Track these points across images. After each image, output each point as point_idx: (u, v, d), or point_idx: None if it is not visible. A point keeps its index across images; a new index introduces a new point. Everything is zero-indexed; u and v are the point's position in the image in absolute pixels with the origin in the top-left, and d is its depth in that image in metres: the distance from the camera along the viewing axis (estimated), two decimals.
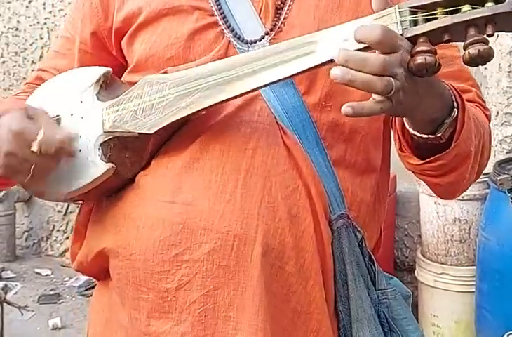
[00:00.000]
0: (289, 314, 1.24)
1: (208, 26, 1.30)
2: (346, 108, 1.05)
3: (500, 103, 3.38)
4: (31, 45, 4.66)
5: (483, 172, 3.31)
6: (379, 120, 1.35)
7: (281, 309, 1.23)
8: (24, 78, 4.63)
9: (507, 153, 3.36)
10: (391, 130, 1.38)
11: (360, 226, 1.31)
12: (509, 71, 3.34)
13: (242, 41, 1.29)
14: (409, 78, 1.06)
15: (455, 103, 1.17)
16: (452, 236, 3.21)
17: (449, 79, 1.23)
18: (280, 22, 1.29)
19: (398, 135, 1.24)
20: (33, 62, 4.63)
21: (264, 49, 1.18)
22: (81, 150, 1.26)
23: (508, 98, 3.36)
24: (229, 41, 1.29)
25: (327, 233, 1.25)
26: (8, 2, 4.68)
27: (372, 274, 1.32)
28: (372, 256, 1.34)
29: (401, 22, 1.05)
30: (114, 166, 1.23)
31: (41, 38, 4.61)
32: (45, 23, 4.58)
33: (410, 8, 1.05)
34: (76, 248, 1.39)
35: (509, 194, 2.77)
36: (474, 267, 3.04)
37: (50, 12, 4.56)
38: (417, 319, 3.39)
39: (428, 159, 1.21)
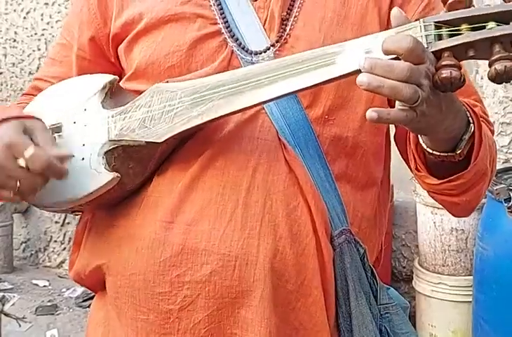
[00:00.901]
0: (287, 331, 1.23)
1: (211, 34, 1.28)
2: (371, 113, 1.03)
3: (496, 113, 3.38)
4: (28, 56, 4.67)
5: None
6: (381, 134, 1.34)
7: (280, 326, 1.22)
8: (21, 89, 4.63)
9: (503, 163, 3.36)
10: (390, 145, 1.38)
11: (362, 240, 1.30)
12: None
13: (246, 51, 1.27)
14: (434, 92, 1.05)
15: (470, 118, 1.17)
16: (449, 246, 3.21)
17: None
18: (285, 34, 1.27)
19: (413, 154, 1.23)
20: (30, 73, 4.64)
21: (280, 59, 1.16)
22: (83, 159, 1.24)
23: (504, 108, 3.37)
24: (232, 51, 1.27)
25: (329, 250, 1.25)
26: (6, 13, 4.69)
27: (374, 289, 1.32)
28: (374, 271, 1.33)
29: (426, 36, 1.05)
30: (119, 175, 1.21)
31: (39, 50, 4.62)
32: (42, 34, 4.59)
33: (435, 22, 1.05)
34: (74, 257, 1.38)
35: (506, 204, 2.76)
36: (471, 277, 3.04)
37: (48, 23, 4.57)
38: (415, 329, 3.39)
39: (449, 178, 1.20)
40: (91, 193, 1.23)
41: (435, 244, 3.25)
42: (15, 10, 4.66)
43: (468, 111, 1.17)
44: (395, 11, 1.09)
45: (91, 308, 1.44)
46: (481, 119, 1.31)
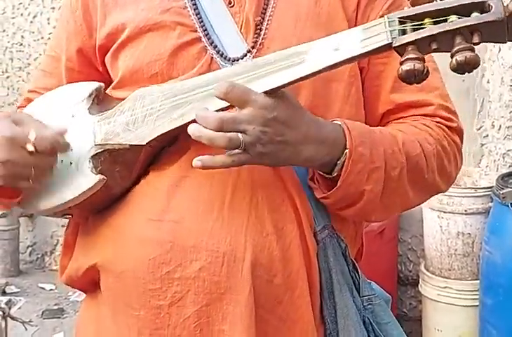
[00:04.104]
0: (274, 322, 1.25)
1: (191, 42, 1.30)
2: (195, 162, 1.13)
3: (502, 117, 3.38)
4: (35, 60, 4.68)
5: (486, 186, 3.31)
6: None
7: (267, 319, 1.25)
8: None
9: (510, 166, 3.36)
10: None
11: (344, 235, 1.33)
12: (511, 85, 3.35)
13: (225, 58, 1.29)
14: (272, 132, 1.11)
15: (348, 143, 1.19)
16: (456, 250, 3.21)
17: (414, 90, 1.27)
18: (260, 38, 1.29)
19: None
20: None
21: (255, 60, 1.19)
22: (71, 163, 1.26)
23: (510, 112, 3.36)
24: (212, 57, 1.29)
25: (313, 244, 1.27)
26: (13, 17, 4.70)
27: (356, 281, 1.35)
28: (356, 264, 1.36)
29: (390, 31, 1.08)
30: (105, 177, 1.24)
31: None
32: (49, 38, 4.60)
33: (399, 18, 1.08)
34: (65, 262, 1.40)
35: None
36: (478, 281, 3.04)
37: (54, 27, 4.58)
38: (421, 334, 3.39)
39: (322, 196, 1.24)
40: (78, 196, 1.25)
41: (441, 248, 3.24)
42: (21, 15, 4.67)
43: (346, 135, 1.19)
44: None
45: (81, 308, 1.47)
46: (435, 117, 1.33)
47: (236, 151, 1.11)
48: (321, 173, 1.23)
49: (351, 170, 1.19)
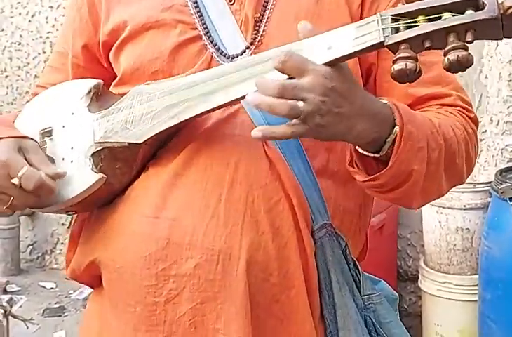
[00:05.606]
0: (271, 321, 1.25)
1: (191, 39, 1.31)
2: (255, 132, 1.10)
3: (500, 112, 3.38)
4: (33, 59, 4.69)
5: (484, 181, 3.31)
6: None
7: (264, 318, 1.24)
8: (27, 92, 4.65)
9: (508, 161, 3.36)
10: None
11: (344, 234, 1.32)
12: (509, 80, 3.35)
13: (224, 55, 1.30)
14: (330, 102, 1.08)
15: (397, 121, 1.17)
16: (455, 245, 3.21)
17: (429, 85, 1.26)
18: (259, 35, 1.30)
19: (351, 150, 1.24)
20: (36, 76, 4.65)
21: (251, 57, 1.20)
22: (72, 161, 1.28)
23: (508, 107, 3.37)
24: (212, 55, 1.30)
25: (310, 243, 1.27)
26: (11, 17, 4.71)
27: (357, 280, 1.34)
28: (357, 263, 1.36)
29: (383, 29, 1.07)
30: (105, 175, 1.24)
31: (44, 53, 4.64)
32: (47, 37, 4.61)
33: (392, 15, 1.07)
34: (70, 256, 1.41)
35: (511, 203, 2.77)
36: (477, 276, 3.04)
37: (53, 26, 4.59)
38: (421, 329, 3.40)
39: (368, 178, 1.21)
40: (79, 194, 1.26)
41: (440, 243, 3.25)
42: (20, 14, 4.68)
43: (394, 112, 1.17)
44: (301, 26, 1.14)
45: (88, 303, 1.47)
46: (456, 107, 1.33)
47: (295, 121, 1.08)
48: (366, 153, 1.20)
49: (403, 147, 1.17)
